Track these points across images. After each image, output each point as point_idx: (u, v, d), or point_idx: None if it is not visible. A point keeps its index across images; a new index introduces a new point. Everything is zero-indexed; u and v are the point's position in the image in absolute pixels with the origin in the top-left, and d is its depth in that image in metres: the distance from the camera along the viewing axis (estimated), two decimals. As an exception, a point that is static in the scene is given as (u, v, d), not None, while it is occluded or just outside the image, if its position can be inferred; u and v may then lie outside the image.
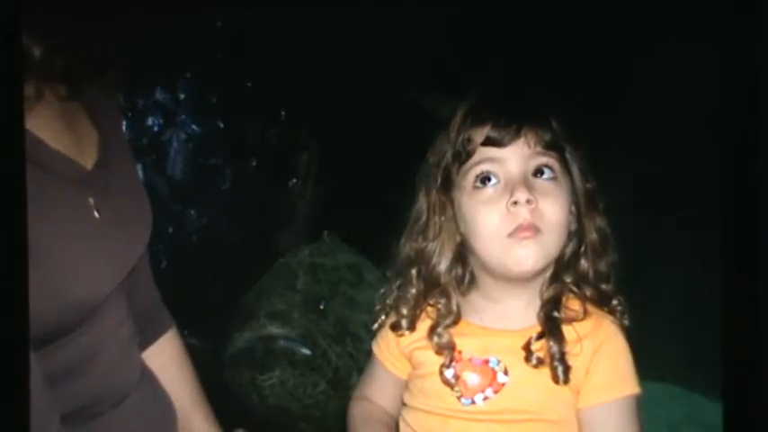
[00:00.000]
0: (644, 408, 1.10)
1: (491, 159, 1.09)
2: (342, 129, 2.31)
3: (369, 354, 1.26)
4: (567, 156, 1.12)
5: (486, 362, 1.11)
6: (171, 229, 2.24)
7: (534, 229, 1.06)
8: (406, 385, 1.19)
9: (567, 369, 1.07)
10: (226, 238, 2.32)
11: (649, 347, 1.15)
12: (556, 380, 1.07)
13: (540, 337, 1.09)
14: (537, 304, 1.11)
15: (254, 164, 2.34)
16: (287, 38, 2.13)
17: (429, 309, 1.16)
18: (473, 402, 1.10)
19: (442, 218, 1.14)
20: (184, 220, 2.27)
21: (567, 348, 1.07)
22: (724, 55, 0.98)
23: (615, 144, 2.03)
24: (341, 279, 2.07)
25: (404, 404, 1.19)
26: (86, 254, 1.06)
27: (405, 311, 1.17)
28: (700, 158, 1.44)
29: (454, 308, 1.14)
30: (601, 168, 1.17)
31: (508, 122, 1.09)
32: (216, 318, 2.07)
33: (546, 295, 1.11)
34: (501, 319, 1.12)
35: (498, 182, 1.08)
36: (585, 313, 1.10)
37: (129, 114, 2.17)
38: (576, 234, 1.13)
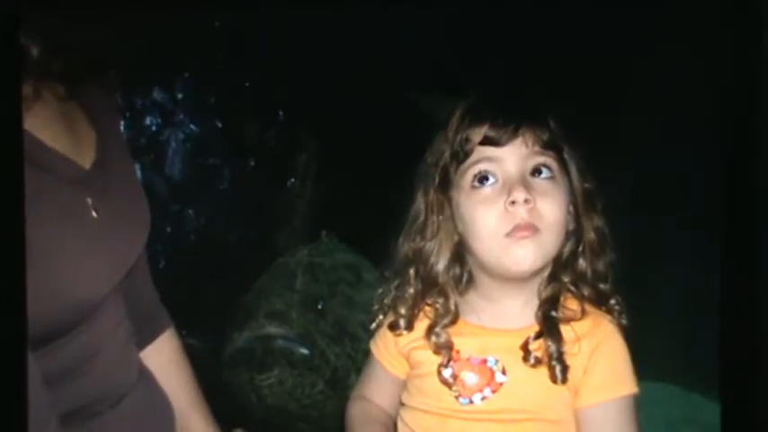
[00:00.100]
0: (642, 407, 1.10)
1: (489, 159, 1.09)
2: (340, 129, 2.31)
3: (367, 353, 1.26)
4: (565, 155, 1.12)
5: (485, 361, 1.11)
6: (169, 229, 2.24)
7: (532, 229, 1.06)
8: (404, 385, 1.19)
9: (564, 369, 1.07)
10: (224, 238, 2.32)
11: (648, 347, 1.15)
12: (554, 379, 1.07)
13: (538, 336, 1.09)
14: (535, 304, 1.11)
15: (252, 164, 2.34)
16: (286, 38, 2.13)
17: (427, 308, 1.16)
18: (471, 402, 1.10)
19: (440, 217, 1.14)
20: (183, 219, 2.27)
21: (565, 348, 1.07)
22: (724, 55, 0.98)
23: (615, 144, 2.03)
24: (339, 279, 2.07)
25: (402, 404, 1.19)
26: (85, 254, 1.06)
27: (403, 311, 1.17)
28: (700, 158, 1.44)
29: (452, 307, 1.14)
30: (600, 168, 1.17)
31: (506, 122, 1.09)
32: (214, 318, 2.07)
33: (544, 295, 1.11)
34: (499, 318, 1.12)
35: (496, 181, 1.08)
36: (583, 313, 1.10)
37: (128, 114, 2.17)
38: (573, 234, 1.13)
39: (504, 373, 1.10)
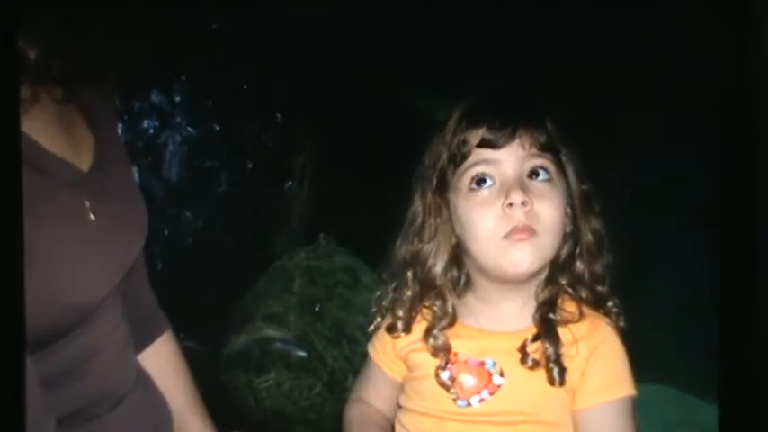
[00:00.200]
0: (639, 409, 1.10)
1: (486, 161, 1.09)
2: (338, 130, 2.31)
3: (365, 356, 1.26)
4: (563, 157, 1.12)
5: (482, 364, 1.11)
6: (167, 232, 2.24)
7: (529, 231, 1.06)
8: (401, 387, 1.19)
9: (562, 371, 1.07)
10: (222, 240, 2.32)
11: (645, 349, 1.15)
12: (551, 381, 1.07)
13: (535, 338, 1.09)
14: (532, 306, 1.11)
15: (249, 166, 2.33)
16: (285, 38, 2.13)
17: (425, 311, 1.16)
18: (468, 404, 1.10)
19: (438, 220, 1.14)
20: (180, 222, 2.27)
21: (563, 350, 1.07)
22: (724, 55, 0.98)
23: (614, 144, 2.03)
24: (337, 281, 2.07)
25: (399, 406, 1.19)
26: (82, 256, 1.06)
27: (400, 313, 1.17)
28: (699, 159, 1.43)
29: (450, 310, 1.14)
30: (600, 169, 1.17)
31: (503, 124, 1.09)
32: (212, 320, 2.06)
33: (541, 297, 1.11)
34: (497, 320, 1.12)
35: (493, 184, 1.08)
36: (581, 315, 1.10)
37: (125, 117, 2.17)
38: (571, 236, 1.13)
39: (501, 375, 1.10)
